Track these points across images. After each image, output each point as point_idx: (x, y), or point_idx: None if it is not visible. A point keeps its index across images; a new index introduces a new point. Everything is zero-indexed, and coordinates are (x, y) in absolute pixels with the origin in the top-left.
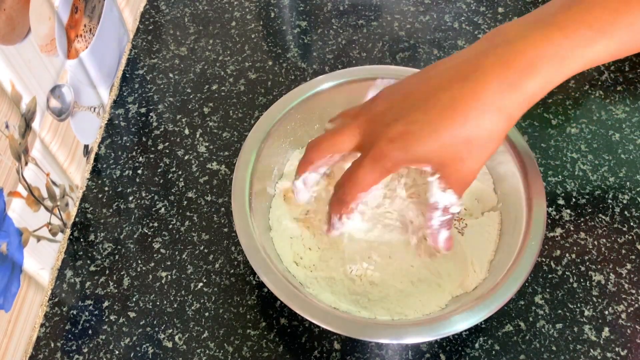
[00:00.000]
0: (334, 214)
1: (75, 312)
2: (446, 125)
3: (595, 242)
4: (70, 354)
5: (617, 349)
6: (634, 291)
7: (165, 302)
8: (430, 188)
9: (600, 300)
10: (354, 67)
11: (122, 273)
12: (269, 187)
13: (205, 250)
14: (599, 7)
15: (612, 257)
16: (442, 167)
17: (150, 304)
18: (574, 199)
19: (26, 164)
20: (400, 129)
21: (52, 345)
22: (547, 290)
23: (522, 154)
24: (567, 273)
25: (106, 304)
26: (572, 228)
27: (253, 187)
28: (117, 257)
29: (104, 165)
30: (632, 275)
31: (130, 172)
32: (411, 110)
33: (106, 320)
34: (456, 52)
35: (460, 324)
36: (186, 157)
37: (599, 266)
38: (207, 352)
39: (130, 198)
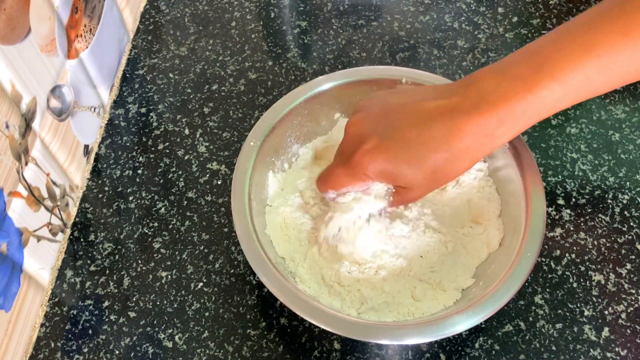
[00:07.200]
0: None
1: (75, 312)
2: (422, 154)
3: (595, 242)
4: (71, 354)
5: (617, 349)
6: (633, 291)
7: (165, 302)
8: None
9: (600, 300)
10: (354, 67)
11: (122, 273)
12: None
13: (205, 250)
14: (563, 57)
15: (612, 257)
16: (400, 187)
17: (150, 303)
18: (574, 199)
19: (26, 164)
20: (376, 142)
21: (52, 345)
22: (547, 290)
23: (521, 154)
24: (567, 273)
25: (106, 303)
26: (572, 228)
27: (253, 184)
28: (117, 257)
29: (104, 165)
30: (632, 275)
31: (130, 172)
32: (389, 127)
33: (106, 320)
34: (435, 85)
35: (460, 324)
36: (186, 157)
37: (599, 266)
38: (207, 352)
39: (131, 198)
